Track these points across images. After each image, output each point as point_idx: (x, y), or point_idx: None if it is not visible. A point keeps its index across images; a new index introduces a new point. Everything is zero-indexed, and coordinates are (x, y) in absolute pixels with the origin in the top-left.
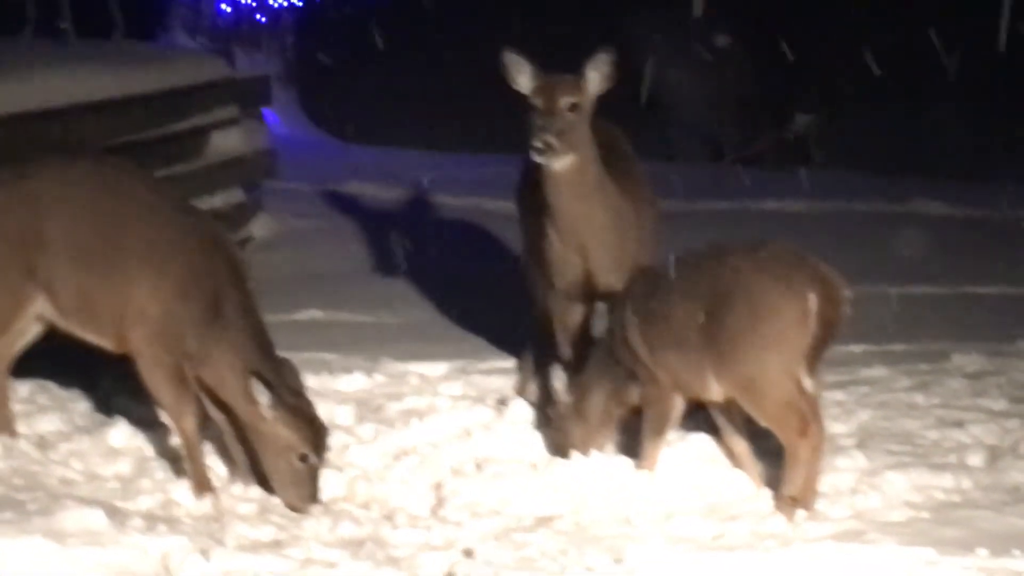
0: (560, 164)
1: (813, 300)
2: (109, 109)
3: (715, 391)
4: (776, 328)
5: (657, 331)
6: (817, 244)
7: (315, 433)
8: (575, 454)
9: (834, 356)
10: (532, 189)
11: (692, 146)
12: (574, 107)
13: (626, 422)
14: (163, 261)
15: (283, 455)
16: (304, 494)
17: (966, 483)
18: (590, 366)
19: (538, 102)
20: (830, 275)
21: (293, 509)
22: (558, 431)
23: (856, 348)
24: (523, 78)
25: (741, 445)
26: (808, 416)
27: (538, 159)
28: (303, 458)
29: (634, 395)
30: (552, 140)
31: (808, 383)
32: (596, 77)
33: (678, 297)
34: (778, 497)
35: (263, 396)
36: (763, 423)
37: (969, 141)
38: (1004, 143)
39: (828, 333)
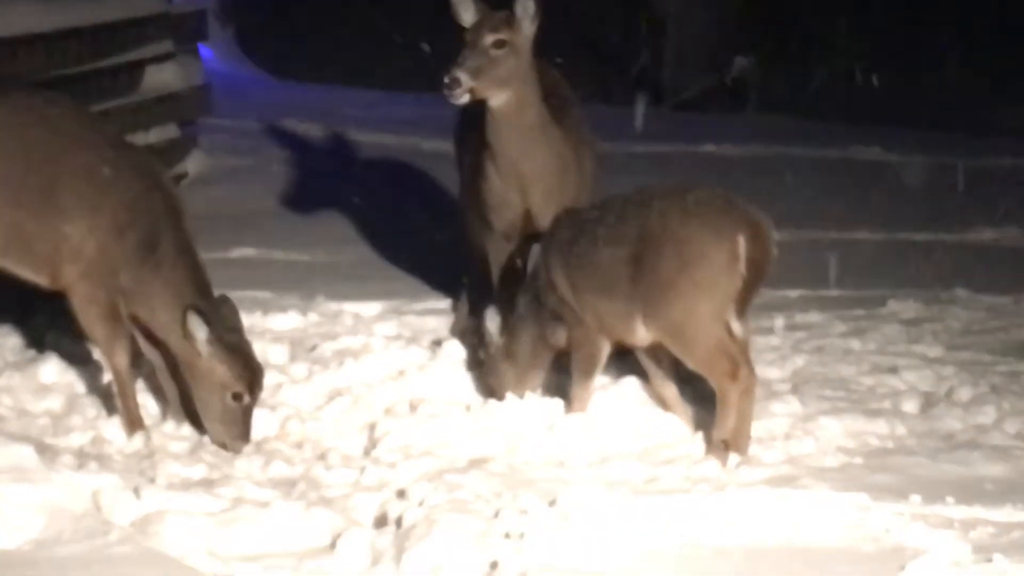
0: (463, 99)
1: (742, 243)
2: (42, 42)
3: (641, 335)
4: (705, 272)
5: (582, 274)
6: (754, 189)
7: (250, 372)
8: (508, 396)
9: (770, 301)
10: (471, 128)
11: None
12: (499, 43)
13: (561, 364)
14: (98, 197)
15: (216, 393)
16: (235, 433)
17: (900, 429)
18: (517, 308)
19: (465, 37)
20: (758, 218)
21: (223, 448)
22: (489, 373)
23: (792, 293)
24: (466, 14)
25: (670, 389)
26: (738, 359)
27: (444, 92)
28: (236, 397)
29: (561, 337)
30: (460, 74)
31: (737, 326)
32: (525, 17)
33: (604, 241)
34: (710, 441)
35: (201, 332)
36: (692, 367)
37: (913, 87)
38: (947, 89)
39: (757, 277)
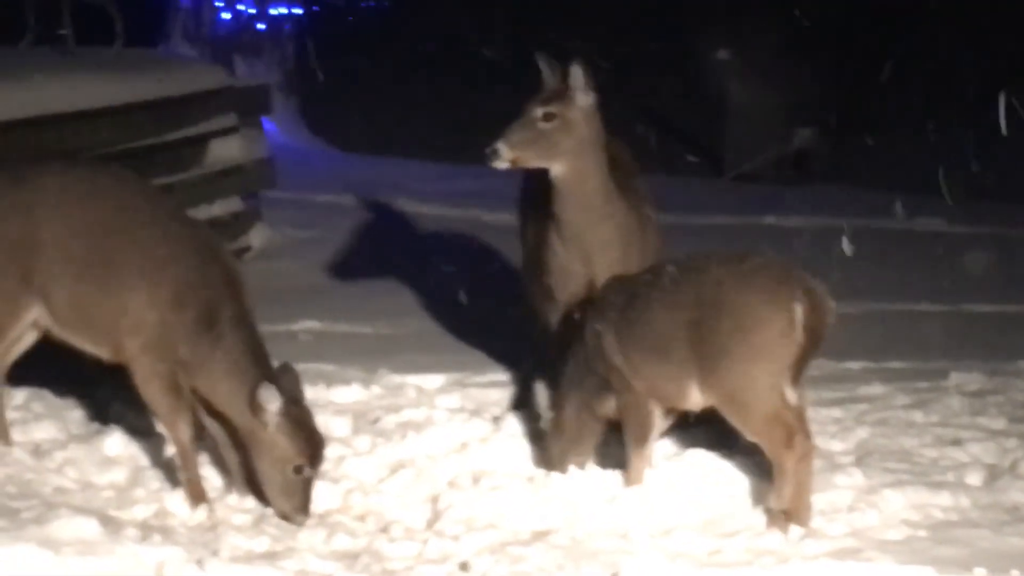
0: (503, 166)
1: (799, 311)
2: (108, 117)
3: (695, 400)
4: (762, 339)
5: (635, 338)
6: (816, 260)
7: (312, 444)
8: (569, 468)
9: (832, 373)
10: (535, 200)
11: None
12: (548, 116)
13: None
14: (159, 270)
15: (278, 465)
16: (296, 505)
17: (964, 502)
18: (563, 378)
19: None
20: (815, 286)
21: (284, 519)
22: (544, 446)
23: (854, 365)
24: (548, 82)
25: None
26: (793, 427)
27: (487, 161)
28: (298, 469)
29: (608, 407)
30: (499, 145)
31: (791, 395)
32: (577, 88)
33: (659, 305)
34: (769, 512)
35: (274, 404)
36: (747, 435)
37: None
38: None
39: (813, 345)
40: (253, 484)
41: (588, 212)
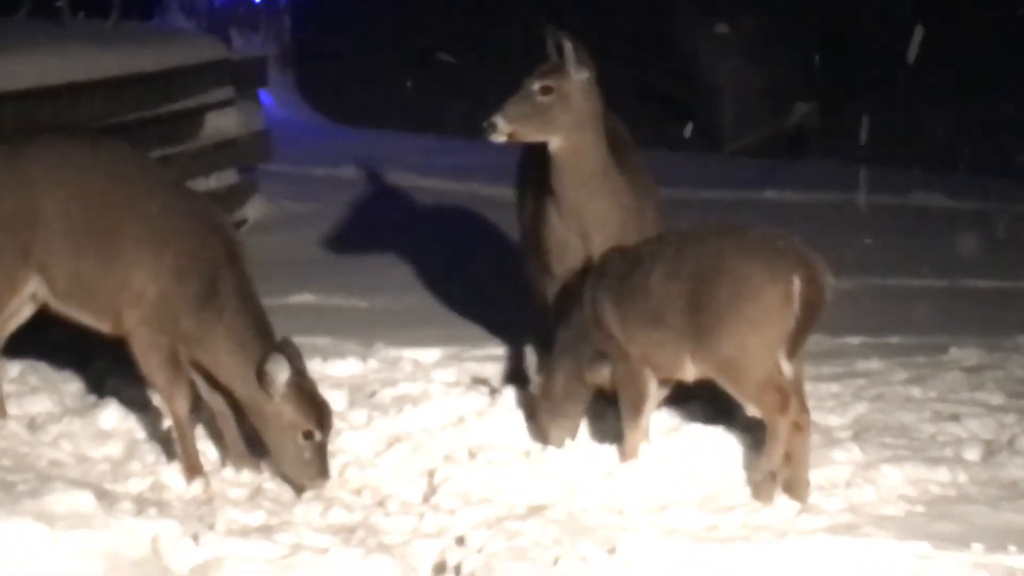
0: (500, 140)
1: (797, 285)
2: (104, 89)
3: (689, 370)
4: (758, 311)
5: (633, 307)
6: (815, 235)
7: (318, 408)
8: (566, 442)
9: (831, 348)
10: (533, 174)
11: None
12: (545, 90)
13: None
14: (160, 243)
15: (287, 434)
16: (312, 472)
17: (962, 477)
18: (555, 348)
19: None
20: (814, 260)
21: (300, 489)
22: (533, 413)
23: (853, 340)
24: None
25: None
26: (787, 392)
27: (483, 134)
28: (308, 435)
29: (600, 375)
30: (496, 118)
31: (787, 367)
32: (572, 63)
33: (659, 274)
34: (756, 481)
35: (283, 374)
36: (742, 401)
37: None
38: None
39: (810, 320)
40: (250, 458)
41: (585, 187)
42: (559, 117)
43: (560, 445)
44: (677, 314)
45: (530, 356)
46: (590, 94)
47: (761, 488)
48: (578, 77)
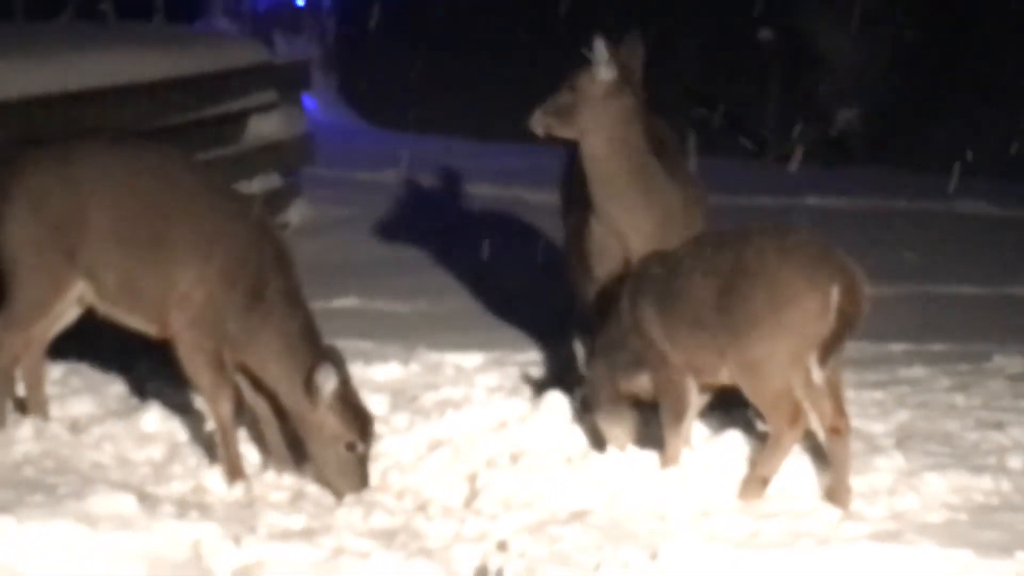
0: (537, 130)
1: (835, 293)
2: (147, 92)
3: (724, 374)
4: (793, 316)
5: (675, 309)
6: (858, 242)
7: (361, 419)
8: (610, 449)
9: (874, 355)
10: (576, 177)
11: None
12: (571, 87)
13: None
14: (208, 247)
15: (330, 444)
16: (353, 483)
17: (1005, 485)
18: (594, 354)
19: None
20: (854, 270)
21: (340, 495)
22: (589, 417)
23: (896, 347)
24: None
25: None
26: (800, 406)
27: (528, 125)
28: (351, 446)
29: (635, 383)
30: (536, 111)
31: (818, 375)
32: (598, 63)
33: (699, 272)
34: (748, 478)
35: (330, 384)
36: (754, 404)
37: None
38: None
39: (845, 329)
40: (292, 461)
41: (614, 188)
42: (580, 115)
43: (620, 446)
44: (713, 312)
45: (579, 353)
46: (616, 94)
47: (749, 489)
48: (603, 77)
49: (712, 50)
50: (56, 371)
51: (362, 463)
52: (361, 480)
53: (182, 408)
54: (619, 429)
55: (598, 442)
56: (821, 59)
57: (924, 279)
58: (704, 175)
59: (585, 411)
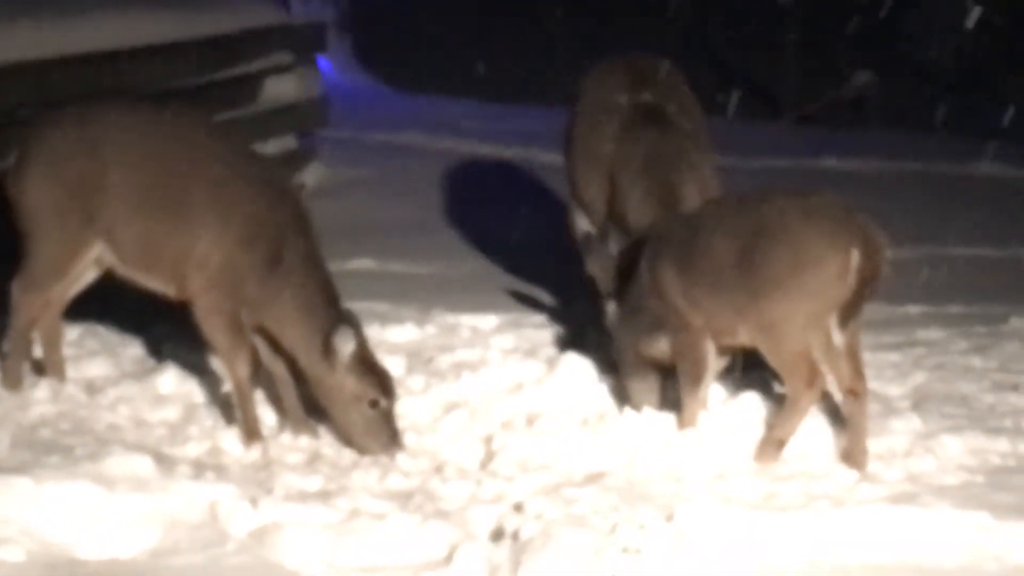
0: None
1: (855, 256)
2: (163, 53)
3: (744, 335)
4: (814, 278)
5: (697, 270)
6: (875, 204)
7: (380, 376)
8: (626, 410)
9: (891, 317)
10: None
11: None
12: None
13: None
14: (227, 208)
15: (353, 405)
16: (384, 440)
17: (1022, 448)
18: (619, 318)
19: None
20: (875, 233)
21: (369, 454)
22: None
23: (913, 310)
24: None
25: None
26: (818, 367)
27: None
28: (374, 404)
29: (655, 347)
30: None
31: (838, 336)
32: None
33: (719, 236)
34: (764, 440)
35: (348, 346)
36: (772, 364)
37: None
38: None
39: (865, 291)
40: (309, 423)
41: None
42: None
43: (641, 408)
44: (733, 273)
45: (611, 312)
46: None
47: (765, 451)
48: None
49: (739, 20)
50: (72, 332)
51: (388, 419)
52: (390, 436)
53: (198, 370)
54: (644, 390)
55: (622, 402)
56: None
57: (940, 241)
58: (719, 136)
59: (612, 370)
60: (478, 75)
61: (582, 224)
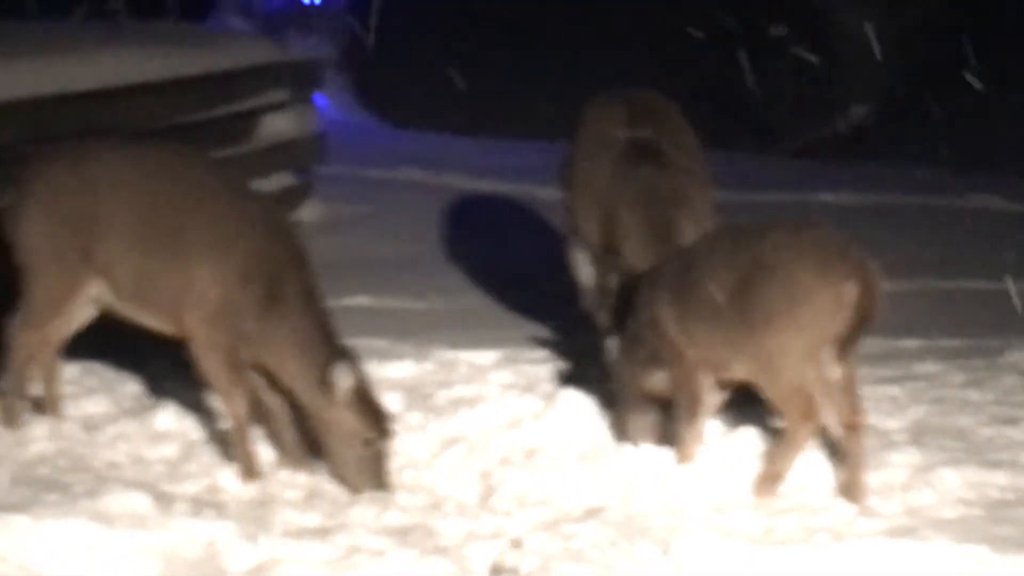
0: None
1: (851, 290)
2: (160, 91)
3: (740, 369)
4: (808, 312)
5: (693, 303)
6: (871, 238)
7: (379, 415)
8: (624, 445)
9: (888, 351)
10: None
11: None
12: None
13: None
14: (225, 246)
15: (348, 441)
16: (371, 480)
17: (1020, 481)
18: (618, 352)
19: None
20: (870, 267)
21: (358, 493)
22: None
23: (910, 343)
24: None
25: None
26: (815, 401)
27: None
28: (368, 443)
29: (653, 381)
30: None
31: (835, 371)
32: None
33: (715, 269)
34: (762, 474)
35: (347, 382)
36: (769, 399)
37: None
38: None
39: (861, 325)
40: (307, 459)
41: None
42: None
43: (639, 442)
44: (729, 307)
45: (610, 347)
46: None
47: (763, 485)
48: None
49: (730, 48)
50: (71, 370)
51: (380, 460)
52: (380, 477)
53: (196, 407)
54: (643, 425)
55: (620, 436)
56: (840, 43)
57: (937, 275)
58: (714, 169)
59: (610, 405)
60: (475, 111)
61: (581, 259)
